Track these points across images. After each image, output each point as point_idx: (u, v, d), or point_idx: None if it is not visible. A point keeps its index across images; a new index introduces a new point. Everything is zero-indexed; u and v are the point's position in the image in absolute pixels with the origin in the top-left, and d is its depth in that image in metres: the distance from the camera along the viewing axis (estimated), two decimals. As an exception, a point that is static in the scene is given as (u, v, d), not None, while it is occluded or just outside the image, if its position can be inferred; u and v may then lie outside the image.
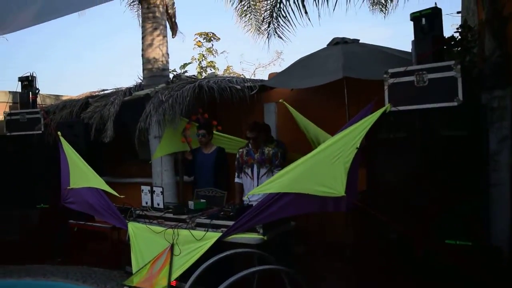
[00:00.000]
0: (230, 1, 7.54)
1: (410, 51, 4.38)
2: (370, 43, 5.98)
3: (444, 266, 3.70)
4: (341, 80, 5.25)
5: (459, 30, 4.80)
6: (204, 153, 5.98)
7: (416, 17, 4.06)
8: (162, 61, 7.14)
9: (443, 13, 4.08)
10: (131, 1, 8.20)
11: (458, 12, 6.15)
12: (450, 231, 3.74)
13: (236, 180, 5.72)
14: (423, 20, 3.99)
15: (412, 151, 3.98)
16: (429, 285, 3.81)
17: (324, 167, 4.02)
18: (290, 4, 6.63)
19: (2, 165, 7.48)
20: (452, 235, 3.69)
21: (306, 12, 6.57)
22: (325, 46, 6.02)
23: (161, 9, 7.20)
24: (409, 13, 4.16)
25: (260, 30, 7.37)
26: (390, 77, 4.06)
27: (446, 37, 4.61)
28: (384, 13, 7.01)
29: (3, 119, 7.57)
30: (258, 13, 7.55)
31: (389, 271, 4.09)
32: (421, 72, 3.87)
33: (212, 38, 15.54)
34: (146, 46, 7.12)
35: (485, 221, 3.77)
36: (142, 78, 7.33)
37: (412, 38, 4.17)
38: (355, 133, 3.97)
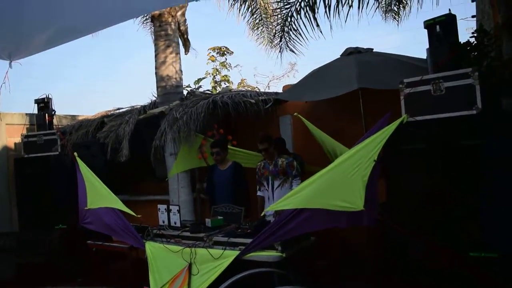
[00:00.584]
0: (242, 15, 7.57)
1: (425, 57, 4.28)
2: (384, 51, 5.90)
3: (468, 279, 3.57)
4: (356, 91, 5.17)
5: (475, 34, 4.69)
6: (220, 170, 5.92)
7: (430, 25, 3.97)
8: (175, 78, 7.16)
9: (457, 17, 3.99)
10: (143, 19, 8.25)
11: (473, 16, 6.04)
12: (474, 243, 3.60)
13: (258, 193, 5.66)
14: (438, 27, 3.90)
15: (432, 162, 3.86)
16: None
17: (342, 181, 3.93)
18: (301, 17, 6.61)
19: (20, 187, 7.57)
20: (476, 248, 3.55)
21: (317, 25, 6.53)
22: (339, 56, 5.96)
23: (173, 26, 7.24)
24: (423, 19, 4.09)
25: (273, 43, 7.37)
26: (405, 87, 3.96)
27: (462, 42, 4.51)
28: (397, 21, 6.92)
29: (20, 141, 7.65)
30: (270, 26, 7.55)
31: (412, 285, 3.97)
32: (437, 80, 3.77)
33: (225, 52, 15.57)
34: (159, 64, 7.15)
35: (508, 232, 3.62)
36: (156, 96, 7.35)
37: (427, 45, 4.08)
38: (372, 145, 3.87)
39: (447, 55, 3.86)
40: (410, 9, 6.79)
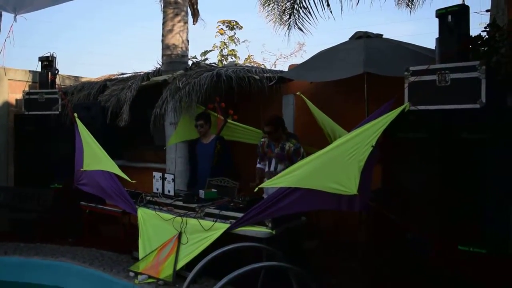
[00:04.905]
0: (254, -11, 7.46)
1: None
2: (396, 39, 5.82)
3: (456, 273, 3.59)
4: (362, 75, 5.11)
5: (487, 29, 4.61)
6: (203, 143, 5.98)
7: (442, 14, 3.90)
8: (181, 48, 7.08)
9: (471, 11, 3.92)
10: (154, -15, 8.15)
11: (487, 11, 5.91)
12: (464, 237, 3.61)
13: (258, 165, 5.54)
14: (449, 17, 3.83)
15: (430, 152, 3.84)
16: None
17: (338, 164, 3.91)
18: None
19: (19, 143, 7.60)
20: (466, 242, 3.56)
21: (328, 5, 6.43)
22: (347, 39, 5.88)
23: (183, -6, 7.13)
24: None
25: (282, 20, 7.26)
26: (411, 75, 3.91)
27: (473, 36, 4.45)
28: (411, 8, 6.82)
29: (22, 98, 7.64)
30: (281, 3, 7.44)
31: (402, 272, 4.00)
32: (443, 71, 3.72)
33: (235, 27, 15.42)
34: (166, 32, 7.07)
35: (505, 229, 3.62)
36: (161, 64, 7.29)
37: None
38: (371, 131, 3.84)
39: (456, 46, 3.80)
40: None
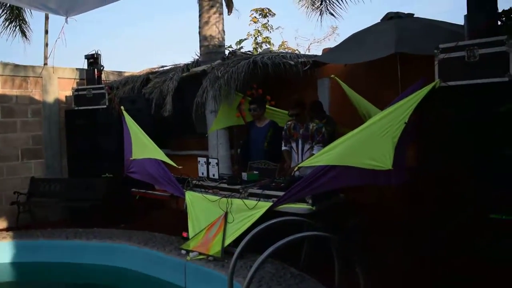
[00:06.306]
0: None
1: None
2: (434, 15, 5.88)
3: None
4: (394, 56, 5.22)
5: (518, 2, 4.66)
6: (258, 127, 6.19)
7: (470, -10, 4.00)
8: (218, 38, 7.35)
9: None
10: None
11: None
12: (498, 207, 3.74)
13: (284, 148, 5.70)
14: (477, -7, 3.94)
15: (463, 127, 3.97)
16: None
17: (373, 141, 4.09)
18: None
19: (70, 137, 8.10)
20: (498, 210, 3.69)
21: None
22: (379, 21, 5.99)
23: (217, -13, 7.37)
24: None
25: (314, 7, 7.42)
26: (440, 53, 4.04)
27: (505, 9, 4.49)
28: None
29: (71, 94, 8.12)
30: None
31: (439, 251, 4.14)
32: (472, 47, 3.84)
33: (267, 14, 15.57)
34: (203, 24, 7.35)
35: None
36: (199, 55, 7.59)
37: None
38: (403, 108, 4.00)
39: (484, 22, 3.90)
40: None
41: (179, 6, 40.01)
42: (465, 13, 4.16)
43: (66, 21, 4.72)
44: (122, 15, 40.96)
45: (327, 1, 7.05)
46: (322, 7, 7.22)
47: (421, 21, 5.66)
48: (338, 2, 6.98)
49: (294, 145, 5.58)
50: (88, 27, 37.96)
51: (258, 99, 6.29)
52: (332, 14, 7.22)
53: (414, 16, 5.85)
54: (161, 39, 37.43)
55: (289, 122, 5.70)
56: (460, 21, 5.52)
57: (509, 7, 4.73)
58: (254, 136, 6.18)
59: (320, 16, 7.38)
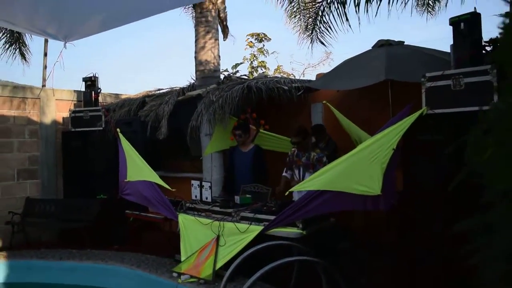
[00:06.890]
0: (280, 3, 7.82)
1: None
2: (422, 42, 6.03)
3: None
4: (386, 82, 5.36)
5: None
6: (243, 151, 6.30)
7: (455, 22, 4.14)
8: (213, 63, 7.49)
9: (492, 13, 4.11)
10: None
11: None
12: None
13: (284, 174, 5.84)
14: (462, 24, 4.07)
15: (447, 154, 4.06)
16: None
17: (362, 166, 4.20)
18: (331, 11, 6.86)
19: (66, 158, 8.16)
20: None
21: (347, 19, 6.78)
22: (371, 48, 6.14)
23: (213, 13, 7.55)
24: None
25: (305, 35, 7.62)
26: (427, 81, 4.17)
27: (491, 38, 4.62)
28: (432, 15, 7.03)
29: (68, 116, 8.22)
30: (307, 15, 7.77)
31: (428, 273, 4.20)
32: (457, 76, 3.96)
33: (263, 39, 15.84)
34: (199, 49, 7.50)
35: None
36: (194, 79, 7.72)
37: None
38: (392, 134, 4.12)
39: (469, 52, 4.03)
40: (446, 2, 6.90)
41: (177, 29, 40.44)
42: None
43: (65, 46, 4.82)
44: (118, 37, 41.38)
45: (317, 31, 7.24)
46: (313, 36, 7.40)
47: (411, 48, 5.80)
48: (328, 31, 7.16)
49: (296, 172, 5.66)
50: (85, 50, 38.34)
51: (242, 125, 6.41)
52: (322, 43, 7.43)
53: (405, 43, 6.00)
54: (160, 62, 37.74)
55: (293, 149, 5.78)
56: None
57: (496, 36, 4.89)
58: (239, 161, 6.28)
59: (311, 44, 7.58)
